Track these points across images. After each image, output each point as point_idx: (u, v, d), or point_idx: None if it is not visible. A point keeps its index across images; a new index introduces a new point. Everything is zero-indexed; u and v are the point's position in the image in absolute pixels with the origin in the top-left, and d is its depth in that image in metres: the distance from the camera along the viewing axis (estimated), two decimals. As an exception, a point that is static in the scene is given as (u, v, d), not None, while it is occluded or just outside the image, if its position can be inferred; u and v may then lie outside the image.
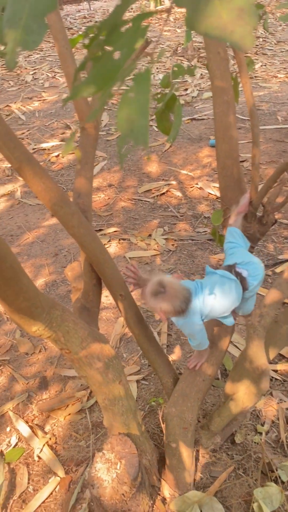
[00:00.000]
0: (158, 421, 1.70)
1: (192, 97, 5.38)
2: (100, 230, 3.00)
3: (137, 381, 1.89)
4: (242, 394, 1.39)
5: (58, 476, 1.52)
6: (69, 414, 1.75)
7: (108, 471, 1.26)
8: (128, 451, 1.31)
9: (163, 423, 1.58)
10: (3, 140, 1.03)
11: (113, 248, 2.81)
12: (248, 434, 1.64)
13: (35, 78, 6.61)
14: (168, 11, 0.56)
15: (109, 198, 3.41)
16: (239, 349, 2.02)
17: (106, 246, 2.83)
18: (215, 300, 1.29)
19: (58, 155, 4.14)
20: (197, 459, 1.56)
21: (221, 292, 1.31)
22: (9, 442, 1.66)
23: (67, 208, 1.19)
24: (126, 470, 1.26)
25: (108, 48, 0.58)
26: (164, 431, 1.56)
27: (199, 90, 5.62)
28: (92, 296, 1.39)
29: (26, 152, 1.10)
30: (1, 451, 1.62)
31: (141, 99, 0.51)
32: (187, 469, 1.44)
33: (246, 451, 1.58)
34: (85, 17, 11.48)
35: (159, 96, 1.47)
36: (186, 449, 1.43)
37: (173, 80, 1.46)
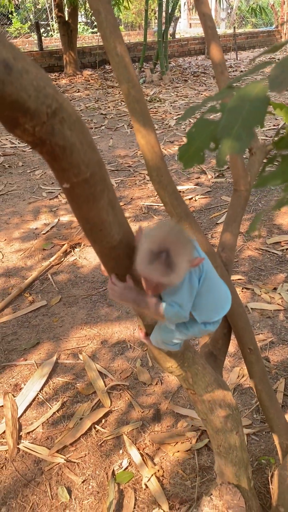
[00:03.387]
0: (265, 480, 1.68)
1: None
2: (225, 276, 3.07)
3: (247, 435, 1.89)
4: None
5: (162, 510, 1.59)
6: (178, 451, 1.82)
7: (215, 518, 1.29)
8: (237, 503, 1.33)
9: (272, 484, 1.56)
10: (170, 198, 1.19)
11: (235, 295, 2.85)
12: None
13: (178, 123, 7.06)
14: None
15: (236, 246, 3.49)
16: None
17: (229, 292, 2.89)
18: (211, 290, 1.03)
19: (191, 198, 4.36)
20: (303, 531, 1.50)
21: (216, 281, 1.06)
22: (120, 464, 1.79)
23: (213, 261, 1.31)
24: (233, 521, 1.28)
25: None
26: (271, 493, 1.53)
27: None
28: (221, 344, 1.47)
29: (186, 209, 1.25)
30: (114, 470, 1.75)
31: None
32: (293, 539, 1.39)
33: None
34: (231, 67, 11.98)
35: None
36: (294, 517, 1.39)
37: None
